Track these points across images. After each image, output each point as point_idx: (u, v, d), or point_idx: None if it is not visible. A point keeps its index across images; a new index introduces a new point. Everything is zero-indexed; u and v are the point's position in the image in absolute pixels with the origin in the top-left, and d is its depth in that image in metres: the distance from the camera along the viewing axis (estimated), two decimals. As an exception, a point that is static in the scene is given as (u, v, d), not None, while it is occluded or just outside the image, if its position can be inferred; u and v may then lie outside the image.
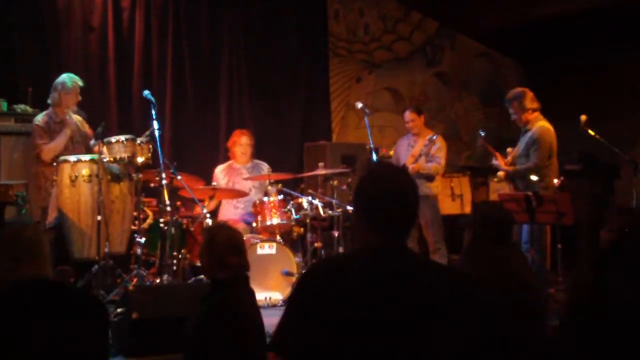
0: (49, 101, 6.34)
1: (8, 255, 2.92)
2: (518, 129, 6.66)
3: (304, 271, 2.29)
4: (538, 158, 6.34)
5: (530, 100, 6.45)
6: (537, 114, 6.48)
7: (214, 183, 7.04)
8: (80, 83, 6.39)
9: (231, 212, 7.23)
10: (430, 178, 7.26)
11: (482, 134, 6.84)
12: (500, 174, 6.61)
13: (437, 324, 2.12)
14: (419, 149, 7.21)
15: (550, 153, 6.43)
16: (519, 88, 6.61)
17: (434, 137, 7.11)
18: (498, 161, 6.55)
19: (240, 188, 7.12)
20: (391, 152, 7.76)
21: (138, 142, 6.04)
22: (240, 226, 6.87)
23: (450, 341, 2.12)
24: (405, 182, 2.29)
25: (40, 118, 6.33)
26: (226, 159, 7.66)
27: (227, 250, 3.62)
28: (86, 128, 6.52)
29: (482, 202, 6.40)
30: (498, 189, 7.92)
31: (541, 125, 6.44)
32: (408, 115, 7.43)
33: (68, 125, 6.29)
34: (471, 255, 3.70)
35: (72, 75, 6.41)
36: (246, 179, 7.17)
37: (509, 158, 6.54)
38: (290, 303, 2.25)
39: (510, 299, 3.28)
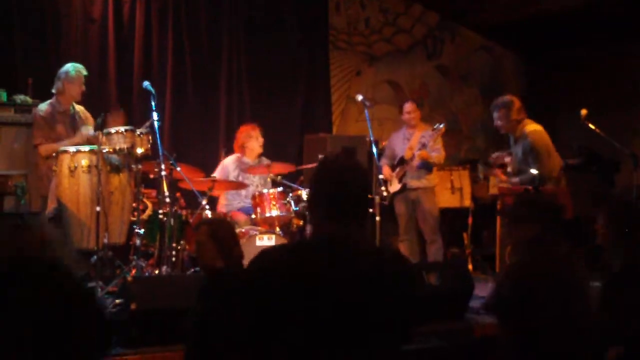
0: (53, 90, 6.33)
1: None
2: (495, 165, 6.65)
3: (251, 261, 2.33)
4: (540, 166, 6.17)
5: (516, 111, 6.31)
6: (523, 121, 6.36)
7: (214, 175, 7.00)
8: (85, 72, 6.38)
9: (238, 203, 7.22)
10: (430, 169, 7.28)
11: (481, 168, 6.78)
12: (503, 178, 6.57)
13: (378, 311, 2.20)
14: (415, 141, 7.23)
15: (549, 154, 6.31)
16: (508, 96, 6.47)
17: (440, 126, 7.13)
18: (504, 184, 6.46)
19: (249, 183, 7.13)
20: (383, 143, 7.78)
21: (138, 133, 6.03)
22: (241, 217, 6.87)
23: (391, 328, 2.22)
24: (354, 174, 2.35)
25: (43, 107, 6.31)
26: (227, 150, 7.64)
27: (231, 241, 3.70)
28: (89, 117, 6.50)
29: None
30: (498, 182, 7.93)
31: (532, 130, 6.31)
32: (409, 106, 7.44)
33: (75, 120, 6.29)
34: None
35: (76, 64, 6.39)
36: (245, 170, 7.15)
37: (509, 169, 6.50)
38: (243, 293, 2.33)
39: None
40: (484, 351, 5.16)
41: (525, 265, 3.51)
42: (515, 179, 6.34)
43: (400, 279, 2.28)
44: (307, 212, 6.77)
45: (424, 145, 7.12)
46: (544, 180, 6.13)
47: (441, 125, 7.14)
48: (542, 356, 3.27)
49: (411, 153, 7.20)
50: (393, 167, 7.39)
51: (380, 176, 6.78)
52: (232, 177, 7.14)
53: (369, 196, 7.38)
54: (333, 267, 2.19)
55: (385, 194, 6.86)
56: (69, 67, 6.34)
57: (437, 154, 7.25)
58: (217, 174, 7.18)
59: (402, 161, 7.30)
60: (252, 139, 7.25)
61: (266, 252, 2.29)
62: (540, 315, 3.24)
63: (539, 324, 3.23)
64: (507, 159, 6.52)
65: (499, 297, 3.44)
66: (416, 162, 7.18)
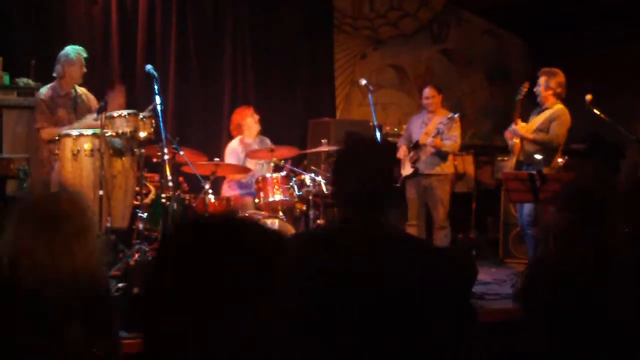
0: (54, 74, 6.30)
1: None
2: (523, 107, 6.65)
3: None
4: (560, 132, 6.43)
5: (557, 84, 6.50)
6: (559, 100, 6.53)
7: (216, 159, 6.97)
8: (85, 54, 6.34)
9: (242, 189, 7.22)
10: (444, 157, 7.24)
11: (521, 90, 6.74)
12: (516, 141, 6.55)
13: (406, 298, 2.14)
14: (433, 127, 7.18)
15: (567, 133, 6.52)
16: (556, 69, 6.62)
17: (455, 115, 7.08)
18: (517, 127, 6.51)
19: (253, 164, 7.12)
20: (396, 129, 7.73)
21: (141, 117, 6.01)
22: (248, 200, 6.86)
23: (420, 313, 2.15)
24: (381, 159, 2.29)
25: (44, 91, 6.27)
26: (231, 134, 7.63)
27: None
28: (91, 98, 6.47)
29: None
30: (502, 168, 7.91)
31: (563, 107, 6.52)
32: (428, 91, 7.40)
33: (78, 103, 6.27)
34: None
35: (76, 47, 6.36)
36: (249, 154, 7.13)
37: (523, 130, 6.52)
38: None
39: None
40: (487, 337, 5.16)
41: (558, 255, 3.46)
42: (531, 135, 6.48)
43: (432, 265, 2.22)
44: (310, 197, 6.76)
45: (439, 132, 7.08)
46: (555, 148, 6.41)
47: (456, 115, 7.10)
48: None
49: (427, 138, 7.16)
50: (408, 150, 7.35)
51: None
52: (241, 160, 7.14)
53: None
54: (363, 260, 2.14)
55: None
56: (69, 49, 6.30)
57: (451, 142, 7.18)
58: (228, 158, 7.16)
59: (417, 145, 7.26)
60: (247, 117, 7.27)
61: (294, 239, 2.24)
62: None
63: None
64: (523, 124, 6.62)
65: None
66: (430, 149, 7.14)
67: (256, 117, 7.29)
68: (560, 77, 6.52)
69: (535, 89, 6.61)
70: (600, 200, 3.33)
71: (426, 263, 2.21)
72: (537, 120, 6.55)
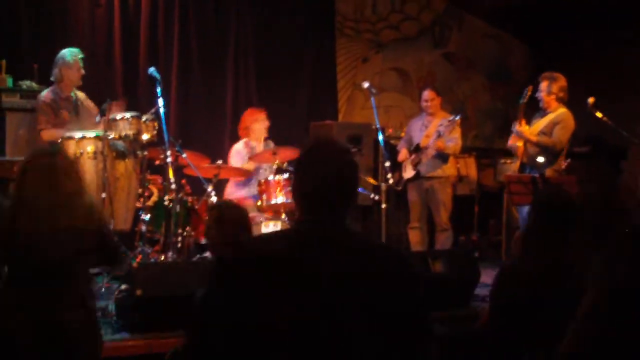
0: (52, 78, 6.32)
1: None
2: (533, 113, 6.66)
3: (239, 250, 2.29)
4: (563, 136, 6.43)
5: (559, 88, 6.50)
6: (562, 103, 6.54)
7: (219, 161, 6.97)
8: (81, 55, 6.33)
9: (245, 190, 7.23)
10: (445, 159, 7.25)
11: (525, 93, 6.72)
12: (519, 144, 6.57)
13: (362, 303, 2.12)
14: (433, 129, 7.19)
15: (570, 137, 6.52)
16: (557, 73, 6.62)
17: (456, 117, 7.09)
18: (522, 128, 6.51)
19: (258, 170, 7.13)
20: (398, 132, 7.71)
21: (143, 119, 6.03)
22: (249, 203, 6.86)
23: (374, 318, 2.13)
24: (343, 162, 2.27)
25: (45, 94, 6.29)
26: (233, 137, 7.63)
27: (237, 228, 3.66)
28: (90, 104, 6.49)
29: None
30: (505, 170, 7.91)
31: (566, 111, 6.52)
32: (427, 94, 7.40)
33: (78, 107, 6.28)
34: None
35: (72, 49, 6.36)
36: (251, 158, 7.14)
37: (527, 133, 6.52)
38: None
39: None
40: (489, 339, 5.16)
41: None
42: (535, 137, 6.48)
43: (394, 275, 2.20)
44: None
45: (440, 135, 7.09)
46: (558, 151, 6.43)
47: (457, 117, 7.11)
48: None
49: (428, 141, 7.17)
50: (409, 153, 7.36)
51: (387, 164, 6.74)
52: (246, 162, 7.13)
53: (374, 182, 7.42)
54: (322, 261, 2.14)
55: (391, 181, 6.84)
56: (65, 52, 6.31)
57: (452, 143, 7.20)
58: (233, 160, 7.16)
59: (418, 148, 7.27)
60: (258, 122, 7.23)
61: (253, 242, 2.25)
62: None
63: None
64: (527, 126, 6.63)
65: None
66: (432, 152, 7.15)
67: (266, 122, 7.24)
68: (562, 81, 6.52)
69: (537, 95, 6.60)
70: (563, 211, 3.37)
71: (389, 267, 2.21)
72: (540, 123, 6.55)
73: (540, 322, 3.14)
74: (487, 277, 6.39)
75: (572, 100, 6.67)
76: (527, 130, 6.51)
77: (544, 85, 6.54)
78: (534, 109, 6.75)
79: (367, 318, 2.11)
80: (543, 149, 6.43)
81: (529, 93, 6.63)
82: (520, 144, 6.56)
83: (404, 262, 2.26)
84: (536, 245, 3.37)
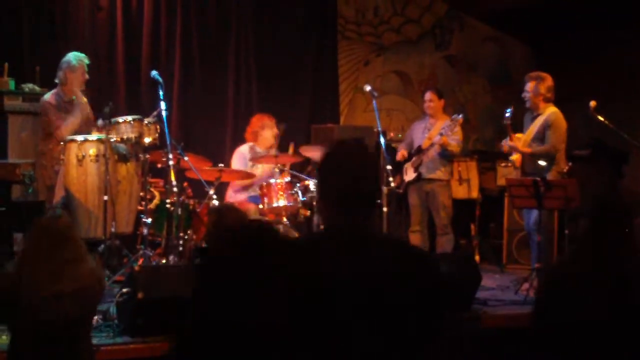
0: (56, 80, 6.33)
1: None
2: (525, 112, 6.66)
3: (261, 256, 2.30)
4: (556, 140, 6.38)
5: (546, 88, 6.45)
6: (549, 103, 6.48)
7: (220, 165, 6.99)
8: (87, 61, 6.37)
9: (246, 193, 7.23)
10: (447, 158, 7.25)
11: (511, 112, 6.71)
12: (514, 158, 6.59)
13: (395, 303, 2.14)
14: (435, 132, 7.19)
15: (564, 137, 6.48)
16: (544, 73, 6.58)
17: (458, 117, 7.09)
18: (514, 143, 6.51)
19: (263, 172, 7.12)
20: (400, 135, 7.71)
21: (145, 122, 6.04)
22: (251, 206, 6.87)
23: (405, 320, 2.15)
24: (366, 163, 2.29)
25: (48, 96, 6.30)
26: (235, 139, 7.63)
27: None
28: (89, 111, 6.50)
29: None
30: (506, 174, 7.90)
31: (555, 110, 6.46)
32: (429, 95, 7.42)
33: (80, 105, 6.28)
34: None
35: (77, 53, 6.39)
36: (252, 160, 7.14)
37: (519, 143, 6.52)
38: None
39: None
40: (490, 342, 5.17)
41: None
42: (529, 149, 6.45)
43: (420, 272, 2.22)
44: (314, 203, 6.77)
45: (443, 135, 7.09)
46: (554, 156, 6.34)
47: (459, 116, 7.10)
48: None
49: (429, 143, 7.17)
50: (410, 156, 7.36)
51: (388, 167, 6.74)
52: (249, 166, 7.13)
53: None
54: (349, 263, 2.15)
55: (393, 184, 6.84)
56: (71, 56, 6.33)
57: (455, 142, 7.20)
58: (235, 162, 7.16)
59: (419, 150, 7.27)
60: (266, 128, 7.21)
61: (279, 247, 2.25)
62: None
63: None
64: (519, 135, 6.60)
65: None
66: (437, 149, 7.14)
67: (275, 131, 7.22)
68: (549, 81, 6.47)
69: (523, 95, 6.56)
70: (619, 216, 3.31)
71: (414, 267, 2.23)
72: (532, 129, 6.51)
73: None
74: (488, 280, 6.41)
75: (572, 102, 6.68)
76: (520, 141, 6.50)
77: (530, 85, 6.49)
78: (525, 109, 6.72)
79: (387, 317, 2.13)
80: (539, 158, 6.41)
81: (512, 111, 6.60)
82: (516, 157, 6.58)
83: (428, 261, 2.28)
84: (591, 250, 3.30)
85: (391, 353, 2.13)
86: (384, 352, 2.12)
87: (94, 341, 4.30)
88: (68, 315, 3.30)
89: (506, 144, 6.62)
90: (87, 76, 6.37)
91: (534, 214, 6.39)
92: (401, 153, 7.39)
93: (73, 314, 3.32)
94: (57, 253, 3.36)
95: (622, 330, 3.04)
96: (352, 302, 2.12)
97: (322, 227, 6.61)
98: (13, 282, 3.35)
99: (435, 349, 2.24)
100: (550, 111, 6.46)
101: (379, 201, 7.02)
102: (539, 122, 6.48)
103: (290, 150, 7.27)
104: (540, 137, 6.45)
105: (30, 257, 3.39)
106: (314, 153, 7.03)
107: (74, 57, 6.31)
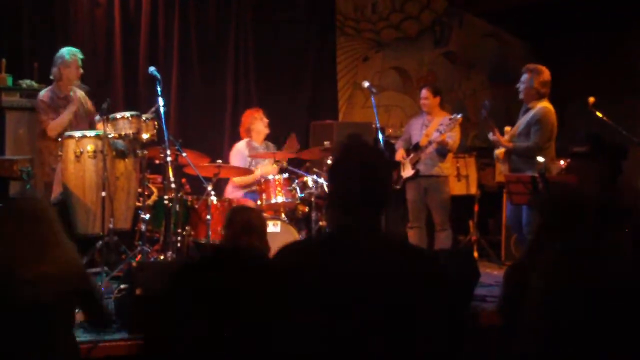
0: (51, 76, 6.33)
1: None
2: (492, 123, 6.64)
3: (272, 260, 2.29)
4: (539, 138, 6.24)
5: (541, 82, 6.32)
6: (543, 98, 6.41)
7: (218, 161, 6.98)
8: (80, 56, 6.36)
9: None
10: (444, 155, 7.23)
11: (487, 105, 6.71)
12: (498, 152, 6.56)
13: (406, 305, 2.13)
14: (433, 129, 7.18)
15: (551, 135, 6.33)
16: (542, 66, 6.48)
17: (458, 116, 7.07)
18: (496, 137, 6.48)
19: (263, 166, 7.13)
20: (398, 132, 7.71)
21: (143, 118, 6.03)
22: (249, 203, 6.87)
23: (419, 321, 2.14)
24: (378, 162, 2.27)
25: (43, 94, 6.31)
26: (233, 136, 7.62)
27: (238, 230, 3.80)
28: (89, 104, 6.50)
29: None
30: (504, 170, 7.90)
31: (544, 105, 6.33)
32: (424, 92, 7.42)
33: (73, 101, 6.28)
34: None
35: (71, 48, 6.38)
36: (251, 156, 7.15)
37: (507, 136, 6.49)
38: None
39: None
40: (489, 339, 5.16)
41: None
42: (511, 144, 6.37)
43: (430, 276, 2.21)
44: (313, 199, 6.76)
45: (440, 133, 7.08)
46: (539, 152, 6.19)
47: (458, 116, 7.08)
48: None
49: (427, 140, 7.16)
50: (408, 152, 7.36)
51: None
52: (247, 162, 7.14)
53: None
54: (356, 264, 2.14)
55: (395, 178, 6.84)
56: (64, 52, 6.33)
57: (451, 140, 7.19)
58: (233, 159, 7.17)
59: (417, 147, 7.26)
60: (257, 121, 7.26)
61: (286, 249, 2.23)
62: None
63: None
64: (508, 128, 6.54)
65: None
66: (434, 146, 7.12)
67: (265, 120, 7.28)
68: (545, 76, 6.36)
69: (517, 85, 6.48)
70: (568, 210, 3.34)
71: (425, 269, 2.21)
72: (519, 124, 6.42)
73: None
74: (487, 277, 6.40)
75: (572, 100, 6.67)
76: (502, 138, 6.46)
77: (526, 77, 6.39)
78: (521, 102, 6.68)
79: (399, 318, 2.12)
80: (519, 154, 6.35)
81: (488, 106, 6.58)
82: (500, 150, 6.52)
83: (436, 263, 2.27)
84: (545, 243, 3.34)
85: (401, 353, 2.12)
86: (393, 352, 2.11)
87: (92, 337, 4.32)
88: (39, 299, 3.25)
89: (491, 137, 6.58)
90: (81, 70, 6.36)
91: (529, 211, 6.36)
92: (400, 153, 7.39)
93: (45, 298, 3.26)
94: (30, 235, 3.30)
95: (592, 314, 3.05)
96: (361, 303, 2.11)
97: (321, 223, 6.66)
98: None
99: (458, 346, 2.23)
100: (540, 106, 6.32)
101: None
102: (527, 116, 6.42)
103: (292, 140, 7.27)
104: (526, 132, 6.33)
105: (3, 239, 3.33)
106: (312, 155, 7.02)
107: (67, 52, 6.31)
